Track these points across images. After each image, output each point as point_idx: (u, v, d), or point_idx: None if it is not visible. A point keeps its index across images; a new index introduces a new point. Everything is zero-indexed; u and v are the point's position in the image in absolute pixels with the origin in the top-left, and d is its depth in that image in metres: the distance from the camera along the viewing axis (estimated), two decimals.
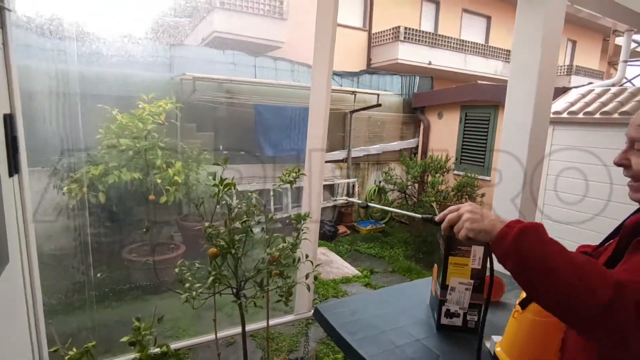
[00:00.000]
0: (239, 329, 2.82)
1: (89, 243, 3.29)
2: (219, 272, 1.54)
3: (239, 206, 1.69)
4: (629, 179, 0.95)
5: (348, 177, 6.71)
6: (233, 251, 1.52)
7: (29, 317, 1.12)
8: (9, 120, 1.07)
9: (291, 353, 3.06)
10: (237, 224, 1.52)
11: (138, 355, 1.62)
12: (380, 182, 7.05)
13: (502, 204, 2.65)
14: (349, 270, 4.83)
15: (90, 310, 2.51)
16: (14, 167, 1.09)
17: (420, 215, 1.22)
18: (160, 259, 3.81)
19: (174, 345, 1.99)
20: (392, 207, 6.71)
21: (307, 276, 1.75)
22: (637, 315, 0.71)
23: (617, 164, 0.95)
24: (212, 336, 2.76)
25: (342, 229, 6.31)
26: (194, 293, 1.50)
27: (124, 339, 1.61)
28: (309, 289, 1.74)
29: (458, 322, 1.79)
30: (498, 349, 1.32)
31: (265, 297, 1.87)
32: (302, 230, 1.71)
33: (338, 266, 4.93)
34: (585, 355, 0.94)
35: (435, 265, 2.02)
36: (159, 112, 3.57)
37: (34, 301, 1.14)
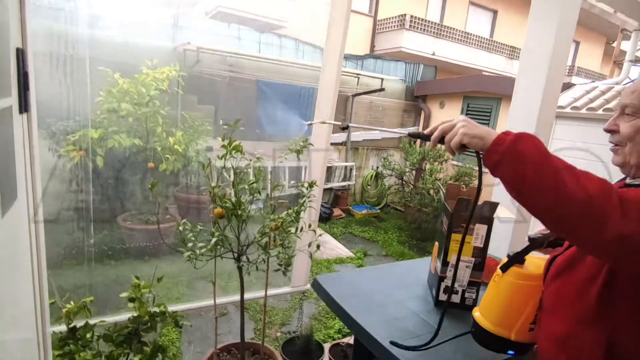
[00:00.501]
0: (233, 298, 2.84)
1: (90, 207, 3.26)
2: (222, 233, 1.53)
3: (246, 170, 1.67)
4: (612, 145, 0.96)
5: (346, 160, 6.69)
6: (239, 212, 1.50)
7: (32, 257, 1.10)
8: (21, 55, 1.03)
9: (283, 327, 3.09)
10: (245, 186, 1.50)
11: (136, 312, 1.61)
12: (377, 167, 7.04)
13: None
14: (343, 251, 4.85)
15: (89, 269, 2.50)
16: (24, 105, 1.06)
17: (407, 131, 1.21)
18: (155, 228, 3.79)
19: (170, 308, 1.99)
20: (389, 192, 6.74)
21: (310, 244, 1.74)
22: None
23: (607, 130, 0.96)
24: (205, 302, 2.78)
25: (337, 211, 6.33)
26: (197, 252, 1.49)
27: (124, 294, 1.60)
28: (311, 257, 1.73)
29: (456, 299, 1.81)
30: (477, 314, 1.31)
31: (266, 264, 1.86)
32: (309, 197, 1.70)
33: (332, 247, 4.96)
34: (562, 314, 0.95)
35: (436, 243, 2.03)
36: (162, 79, 3.50)
37: (37, 241, 1.12)
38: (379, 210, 6.68)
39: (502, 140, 0.83)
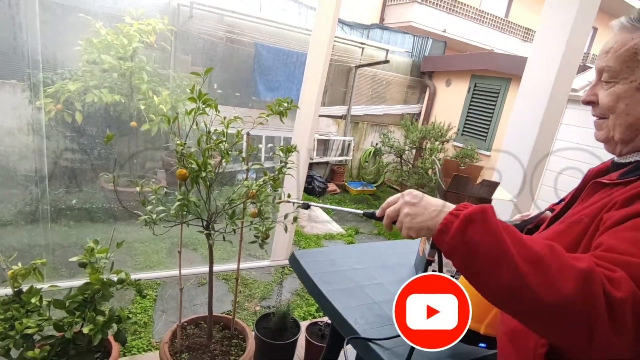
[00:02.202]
0: (215, 268, 2.70)
1: (59, 163, 3.07)
2: (187, 197, 1.35)
3: (217, 130, 1.48)
4: (595, 118, 0.82)
5: (345, 134, 6.47)
6: (204, 174, 1.32)
7: None
8: None
9: (264, 300, 2.98)
10: (212, 144, 1.32)
11: (89, 279, 1.46)
12: (377, 144, 6.83)
13: (507, 174, 2.51)
14: (334, 227, 4.72)
15: (45, 229, 2.35)
16: None
17: (361, 212, 1.10)
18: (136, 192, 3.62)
19: (139, 276, 1.85)
20: (386, 170, 6.55)
21: (286, 216, 1.57)
22: (610, 315, 0.56)
23: (585, 102, 0.83)
24: (185, 270, 2.64)
25: (332, 186, 6.17)
26: (155, 216, 1.32)
27: (74, 258, 1.44)
28: (286, 229, 1.57)
29: None
30: None
31: (239, 235, 1.70)
32: (287, 163, 1.52)
33: (323, 222, 4.82)
34: None
35: None
36: (148, 31, 3.24)
37: None
38: (375, 188, 6.52)
39: (448, 226, 0.69)
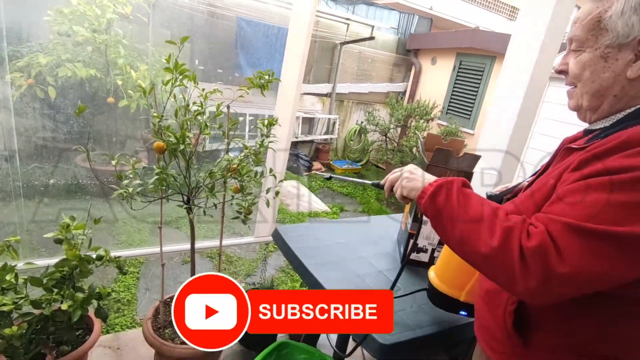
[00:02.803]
0: (199, 244, 2.68)
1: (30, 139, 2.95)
2: (165, 171, 1.32)
3: (197, 102, 1.44)
4: (568, 88, 0.86)
5: (330, 112, 6.41)
6: (182, 147, 1.29)
7: None
8: None
9: (248, 277, 2.99)
10: (191, 116, 1.28)
11: (66, 255, 1.43)
12: (362, 122, 6.80)
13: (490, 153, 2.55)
14: (319, 205, 4.73)
15: (18, 206, 2.27)
16: None
17: (370, 182, 1.27)
18: (120, 170, 3.53)
19: (119, 253, 1.81)
20: (371, 148, 6.56)
21: (268, 190, 1.56)
22: (521, 261, 0.69)
23: (557, 71, 0.87)
24: (169, 247, 2.61)
25: (317, 165, 6.15)
26: (131, 190, 1.29)
27: (48, 234, 1.40)
28: (268, 204, 1.55)
29: (425, 257, 1.69)
30: (431, 273, 1.29)
31: (221, 210, 1.68)
32: (268, 136, 1.49)
33: (308, 200, 4.82)
34: None
35: None
36: (122, 2, 3.09)
37: None
38: (360, 167, 6.53)
39: (425, 191, 0.87)
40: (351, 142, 6.83)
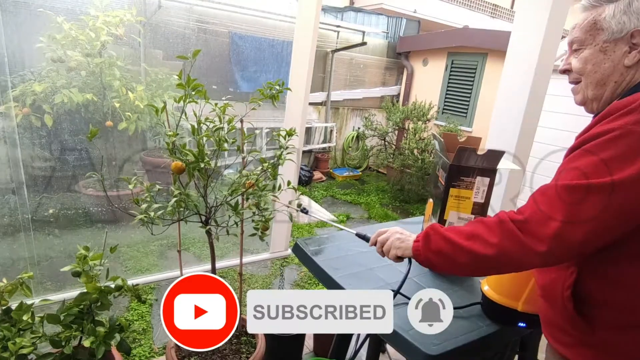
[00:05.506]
0: (208, 266, 2.60)
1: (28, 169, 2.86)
2: (184, 192, 1.26)
3: (212, 120, 1.38)
4: (572, 86, 0.98)
5: (326, 121, 6.38)
6: (202, 165, 1.23)
7: None
8: None
9: None
10: (209, 132, 1.22)
11: (85, 288, 1.35)
12: (359, 128, 6.77)
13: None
14: (324, 215, 4.67)
15: (27, 240, 2.18)
16: None
17: (354, 232, 1.34)
18: (122, 194, 3.46)
19: (133, 281, 1.74)
20: (371, 154, 6.51)
21: (290, 203, 1.50)
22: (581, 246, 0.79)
23: (562, 71, 0.98)
24: (177, 272, 2.53)
25: (317, 174, 6.10)
26: (153, 214, 1.22)
27: (66, 268, 1.33)
28: (291, 218, 1.50)
29: None
30: (486, 287, 1.26)
31: (240, 227, 1.62)
32: (286, 147, 1.44)
33: (313, 211, 4.75)
34: (543, 268, 0.99)
35: (430, 200, 1.83)
36: (115, 23, 3.04)
37: None
38: (360, 173, 6.49)
39: (417, 246, 1.00)
40: (349, 149, 6.80)
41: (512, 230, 0.82)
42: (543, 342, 1.64)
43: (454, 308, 1.34)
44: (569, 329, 0.89)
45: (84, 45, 3.01)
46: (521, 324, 1.19)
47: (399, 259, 1.09)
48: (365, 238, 1.25)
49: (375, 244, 1.19)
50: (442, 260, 0.95)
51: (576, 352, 0.89)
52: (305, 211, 1.25)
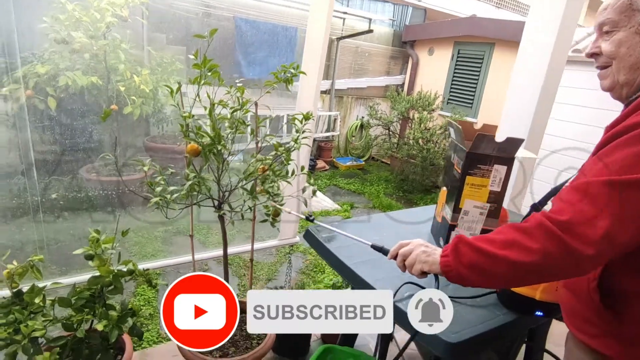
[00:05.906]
0: (213, 253, 2.59)
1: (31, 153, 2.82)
2: (199, 175, 1.23)
3: (223, 100, 1.35)
4: (598, 71, 0.93)
5: (330, 109, 6.33)
6: (219, 148, 1.20)
7: None
8: None
9: (269, 282, 2.90)
10: (225, 113, 1.19)
11: (97, 271, 1.33)
12: (363, 117, 6.72)
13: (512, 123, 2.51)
14: (328, 204, 4.65)
15: (36, 223, 2.15)
16: None
17: (369, 243, 1.22)
18: (126, 179, 3.42)
19: (142, 266, 1.72)
20: (375, 143, 6.47)
21: (304, 189, 1.47)
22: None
23: (589, 54, 0.93)
24: (183, 258, 2.52)
25: (320, 163, 6.06)
26: (169, 197, 1.20)
27: (78, 251, 1.31)
28: (306, 203, 1.47)
29: None
30: None
31: (252, 212, 1.60)
32: (303, 131, 1.40)
33: (317, 200, 4.74)
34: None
35: (444, 189, 1.81)
36: (120, 4, 2.97)
37: None
38: (363, 162, 6.46)
39: (447, 265, 0.90)
40: (353, 138, 6.75)
41: (555, 232, 0.74)
42: (553, 333, 1.63)
43: (470, 297, 1.33)
44: (595, 319, 0.88)
45: (88, 27, 2.94)
46: (538, 313, 1.18)
47: (423, 274, 0.99)
48: (382, 250, 1.16)
49: (395, 257, 1.08)
50: (477, 274, 0.85)
51: (602, 342, 0.88)
52: (311, 219, 1.22)
